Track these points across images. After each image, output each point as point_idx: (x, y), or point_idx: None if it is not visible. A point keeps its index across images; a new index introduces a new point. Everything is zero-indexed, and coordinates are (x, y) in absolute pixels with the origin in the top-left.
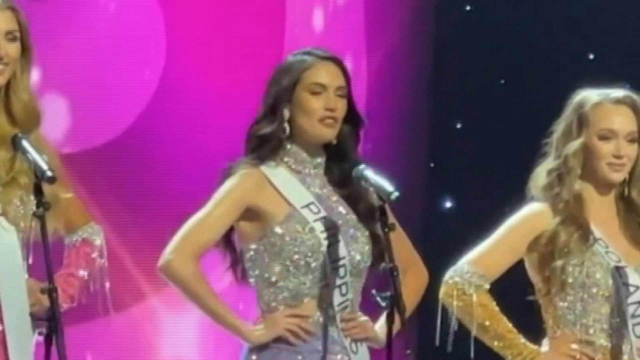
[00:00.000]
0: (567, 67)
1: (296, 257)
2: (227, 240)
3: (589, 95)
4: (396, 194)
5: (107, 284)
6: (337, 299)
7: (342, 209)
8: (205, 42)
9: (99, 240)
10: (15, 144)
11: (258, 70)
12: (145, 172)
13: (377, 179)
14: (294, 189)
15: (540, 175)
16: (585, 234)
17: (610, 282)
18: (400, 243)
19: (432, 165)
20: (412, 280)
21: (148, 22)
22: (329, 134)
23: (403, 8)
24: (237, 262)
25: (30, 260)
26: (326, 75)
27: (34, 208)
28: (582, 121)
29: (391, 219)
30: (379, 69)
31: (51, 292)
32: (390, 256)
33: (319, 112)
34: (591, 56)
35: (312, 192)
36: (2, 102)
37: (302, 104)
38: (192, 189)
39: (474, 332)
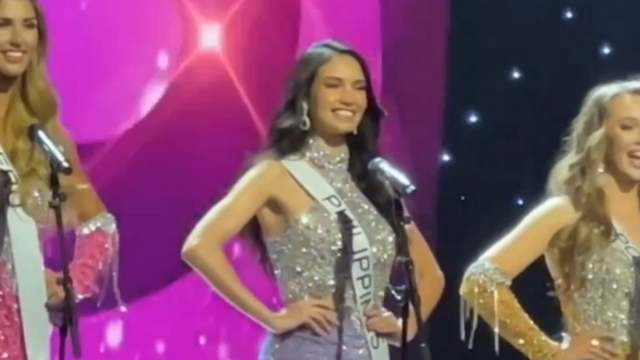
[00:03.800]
0: (581, 60)
1: (321, 245)
2: (256, 236)
3: (607, 88)
4: (412, 187)
5: (116, 274)
6: (359, 291)
7: (364, 203)
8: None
9: (112, 230)
10: (31, 135)
11: (274, 69)
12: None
13: (392, 172)
14: (315, 181)
15: (562, 170)
16: (606, 230)
17: (630, 278)
18: (416, 245)
19: (445, 158)
20: (428, 286)
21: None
22: (344, 126)
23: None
24: (266, 257)
25: (49, 252)
26: (344, 68)
27: (51, 199)
28: (602, 113)
29: (406, 213)
30: (394, 60)
31: (65, 283)
32: (405, 250)
33: (334, 103)
34: (606, 50)
35: (333, 186)
36: (19, 91)
37: (318, 97)
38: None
39: (496, 329)
